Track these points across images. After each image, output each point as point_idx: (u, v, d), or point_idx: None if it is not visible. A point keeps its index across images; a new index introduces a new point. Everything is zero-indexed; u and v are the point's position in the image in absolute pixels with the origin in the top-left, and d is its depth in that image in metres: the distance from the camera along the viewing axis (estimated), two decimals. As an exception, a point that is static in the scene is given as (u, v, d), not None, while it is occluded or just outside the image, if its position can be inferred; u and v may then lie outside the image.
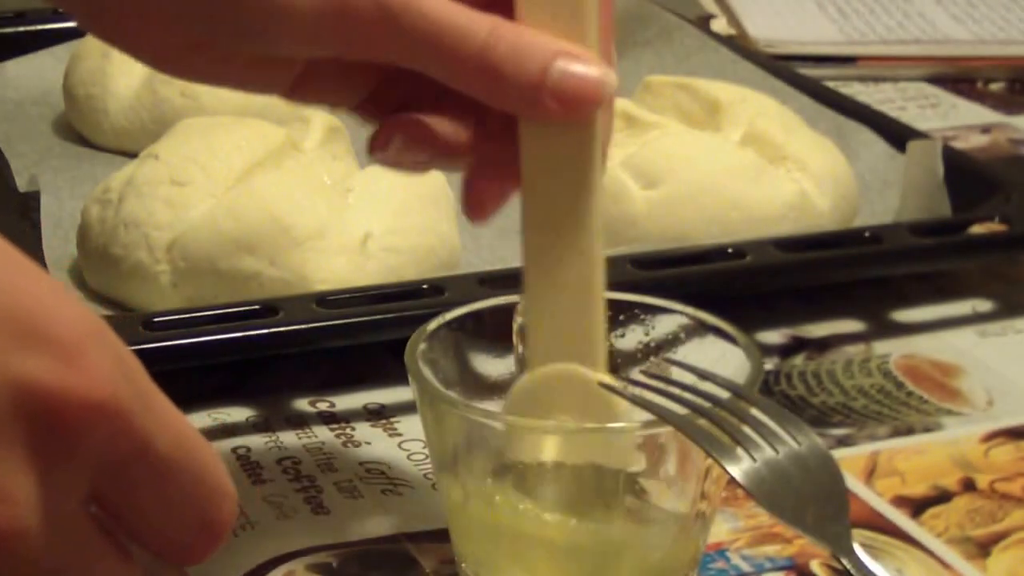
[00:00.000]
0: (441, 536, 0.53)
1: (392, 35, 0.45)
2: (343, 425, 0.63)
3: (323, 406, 0.64)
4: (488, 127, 0.50)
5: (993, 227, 0.74)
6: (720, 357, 0.51)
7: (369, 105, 0.52)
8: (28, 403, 0.34)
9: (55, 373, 0.34)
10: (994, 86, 1.08)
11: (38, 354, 0.34)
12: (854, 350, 0.70)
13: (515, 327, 0.53)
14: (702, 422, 0.47)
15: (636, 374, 0.54)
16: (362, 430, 0.62)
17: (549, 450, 0.49)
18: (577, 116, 0.46)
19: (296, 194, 0.69)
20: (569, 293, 0.48)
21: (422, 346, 0.51)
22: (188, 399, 0.63)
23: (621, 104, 0.80)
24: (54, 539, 0.36)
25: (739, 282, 0.70)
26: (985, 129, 0.99)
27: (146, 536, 0.38)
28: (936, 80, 1.08)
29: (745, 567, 0.54)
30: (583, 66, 0.46)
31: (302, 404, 0.64)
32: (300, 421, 0.63)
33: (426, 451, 0.59)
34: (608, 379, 0.49)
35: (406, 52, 0.46)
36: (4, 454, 0.34)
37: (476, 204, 0.53)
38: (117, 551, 0.38)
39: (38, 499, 0.35)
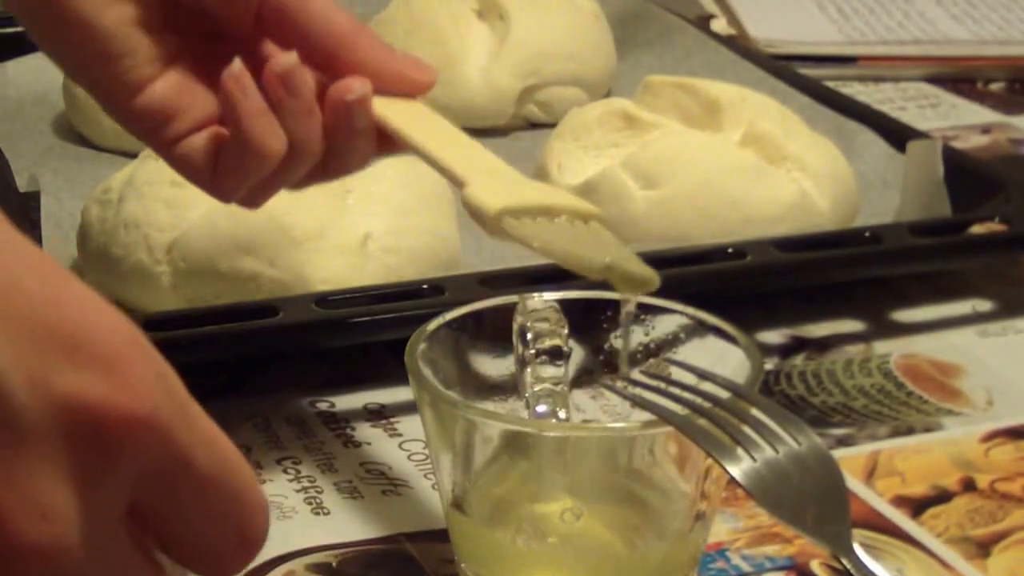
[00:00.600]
0: (440, 536, 0.53)
1: None
2: (343, 425, 0.63)
3: (323, 406, 0.64)
4: None
5: (993, 227, 0.74)
6: (720, 357, 0.51)
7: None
8: (71, 418, 0.34)
9: (98, 388, 0.34)
10: (994, 86, 1.08)
11: (81, 368, 0.34)
12: (854, 350, 0.70)
13: (515, 327, 0.53)
14: (702, 422, 0.47)
15: (636, 374, 0.54)
16: (362, 430, 0.62)
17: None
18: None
19: (295, 195, 0.69)
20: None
21: (422, 346, 0.51)
22: (188, 399, 0.63)
23: (621, 104, 0.80)
24: (93, 555, 0.35)
25: (739, 282, 0.70)
26: (985, 129, 0.99)
27: (183, 550, 0.38)
28: (936, 80, 1.08)
29: (745, 567, 0.54)
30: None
31: (302, 404, 0.64)
32: (300, 421, 0.63)
33: (426, 451, 0.59)
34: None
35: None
36: (47, 470, 0.34)
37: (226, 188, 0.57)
38: (151, 566, 0.38)
39: (79, 515, 0.35)
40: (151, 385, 0.35)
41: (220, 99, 0.55)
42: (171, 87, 0.55)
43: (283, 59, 0.54)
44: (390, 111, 0.55)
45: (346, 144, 0.56)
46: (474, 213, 0.51)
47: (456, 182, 0.53)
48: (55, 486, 0.34)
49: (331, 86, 0.55)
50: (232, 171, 0.56)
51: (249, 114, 0.54)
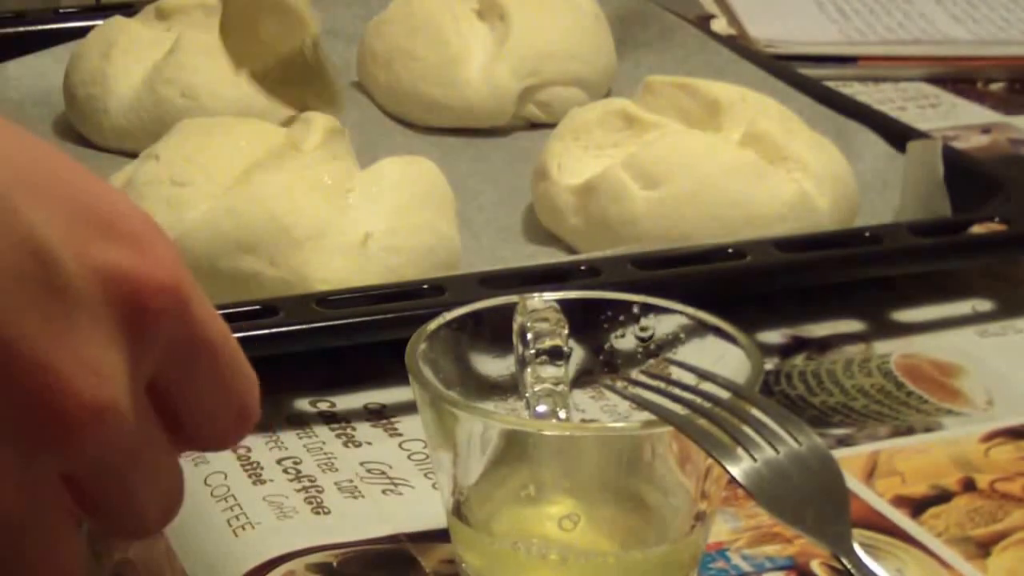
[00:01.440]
0: (441, 536, 0.53)
1: None
2: (343, 425, 0.63)
3: (323, 406, 0.64)
4: None
5: (993, 227, 0.74)
6: (720, 357, 0.51)
7: None
8: (111, 286, 0.37)
9: (131, 260, 0.37)
10: (994, 86, 1.08)
11: (115, 243, 0.37)
12: (854, 350, 0.70)
13: (515, 327, 0.53)
14: (702, 422, 0.47)
15: (636, 374, 0.54)
16: (362, 430, 0.62)
17: None
18: None
19: (296, 194, 0.69)
20: None
21: (422, 346, 0.51)
22: (188, 399, 0.63)
23: (621, 104, 0.80)
24: (135, 418, 0.38)
25: (739, 282, 0.70)
26: (985, 129, 0.99)
27: (191, 423, 0.41)
28: (936, 80, 1.08)
29: (745, 567, 0.54)
30: None
31: (302, 404, 0.64)
32: (300, 421, 0.63)
33: (426, 451, 0.59)
34: None
35: None
36: (96, 334, 0.37)
37: None
38: (166, 442, 0.41)
39: (127, 376, 0.38)
40: (175, 261, 0.39)
41: None
42: None
43: None
44: None
45: None
46: None
47: None
48: (104, 348, 0.37)
49: None
50: None
51: None
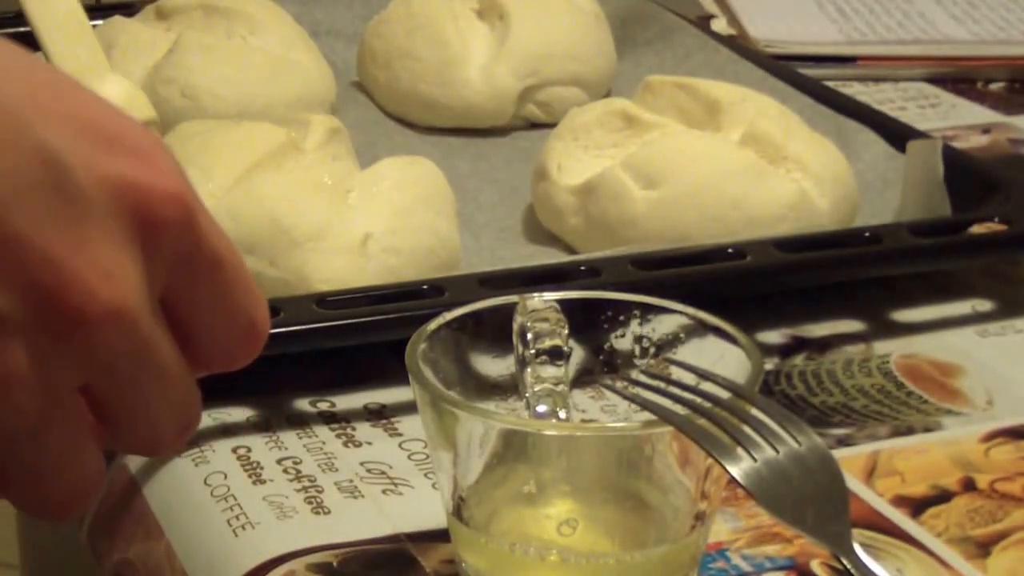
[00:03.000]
0: (441, 536, 0.53)
1: None
2: (343, 425, 0.63)
3: (323, 406, 0.64)
4: None
5: (993, 227, 0.74)
6: (720, 357, 0.51)
7: None
8: (120, 194, 0.39)
9: (139, 171, 0.39)
10: (994, 86, 1.08)
11: (121, 156, 0.39)
12: (854, 350, 0.70)
13: (515, 327, 0.53)
14: (702, 422, 0.47)
15: (636, 374, 0.54)
16: (362, 430, 0.62)
17: None
18: None
19: (296, 195, 0.69)
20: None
21: (422, 346, 0.51)
22: (188, 399, 0.63)
23: (621, 104, 0.80)
24: (148, 325, 0.40)
25: (739, 282, 0.70)
26: (985, 129, 0.99)
27: (201, 340, 0.42)
28: (936, 80, 1.08)
29: (745, 567, 0.54)
30: None
31: (302, 404, 0.64)
32: (301, 421, 0.63)
33: (426, 451, 0.59)
34: None
35: None
36: (107, 239, 0.38)
37: None
38: (177, 351, 0.42)
39: (139, 279, 0.39)
40: (179, 174, 0.40)
41: None
42: None
43: None
44: None
45: None
46: None
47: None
48: (116, 252, 0.38)
49: None
50: None
51: None
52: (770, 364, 0.68)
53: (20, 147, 0.37)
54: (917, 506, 0.58)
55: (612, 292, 0.55)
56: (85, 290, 0.38)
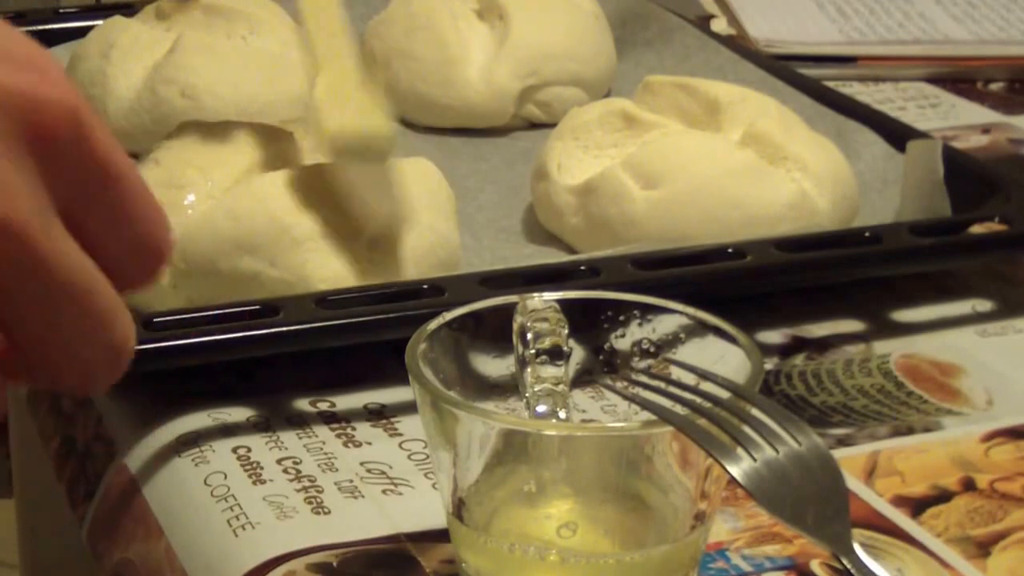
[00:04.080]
0: (441, 536, 0.53)
1: None
2: (343, 425, 0.63)
3: (323, 406, 0.64)
4: None
5: (993, 227, 0.74)
6: (720, 357, 0.51)
7: None
8: (10, 106, 0.37)
9: (30, 83, 0.38)
10: (994, 86, 1.08)
11: (11, 67, 0.38)
12: (854, 350, 0.70)
13: (515, 327, 0.53)
14: (702, 422, 0.47)
15: (636, 374, 0.54)
16: (362, 430, 0.62)
17: None
18: None
19: (295, 194, 0.69)
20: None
21: (422, 346, 0.51)
22: (188, 399, 0.63)
23: (621, 104, 0.80)
24: (49, 238, 0.38)
25: (739, 282, 0.70)
26: (985, 129, 0.99)
27: (109, 252, 0.40)
28: (936, 80, 1.08)
29: (745, 567, 0.54)
30: None
31: (302, 404, 0.64)
32: (300, 421, 0.63)
33: (426, 451, 0.59)
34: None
35: None
36: (1, 150, 0.37)
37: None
38: (87, 259, 0.40)
39: (30, 195, 0.37)
40: (71, 85, 0.39)
41: None
42: None
43: None
44: None
45: None
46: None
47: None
48: (8, 167, 0.37)
49: None
50: None
51: None
52: (770, 364, 0.68)
53: None
54: (917, 506, 0.58)
55: (612, 292, 0.55)
56: None
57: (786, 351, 0.70)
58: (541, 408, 0.53)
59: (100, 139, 0.39)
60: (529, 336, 0.53)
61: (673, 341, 0.54)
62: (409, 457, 0.60)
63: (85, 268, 0.39)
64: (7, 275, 0.38)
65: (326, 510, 0.57)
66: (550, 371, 0.53)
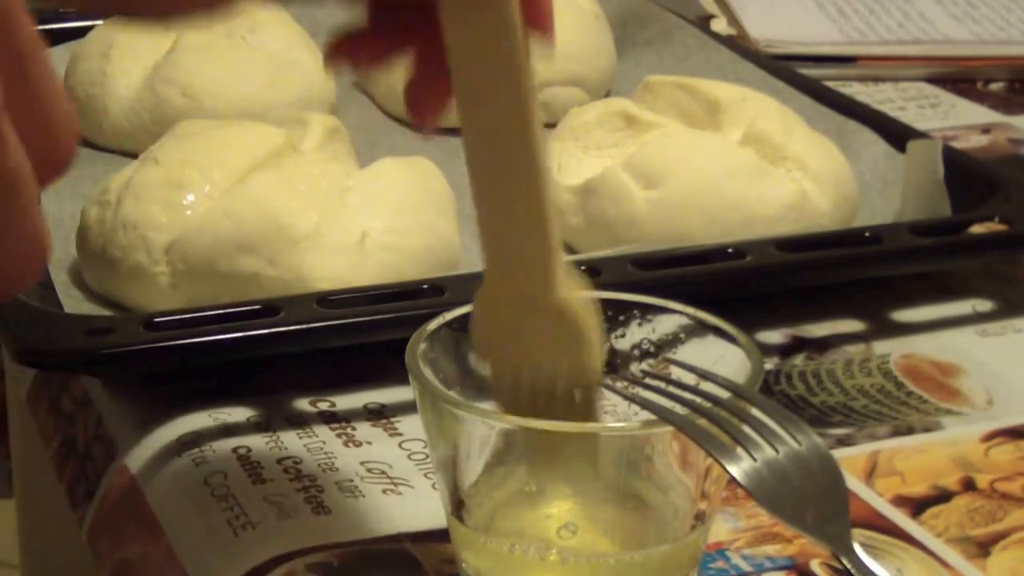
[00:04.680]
0: (441, 536, 0.53)
1: None
2: (344, 425, 0.63)
3: (324, 406, 0.64)
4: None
5: (993, 227, 0.74)
6: (720, 357, 0.51)
7: None
8: None
9: None
10: (994, 86, 1.08)
11: None
12: (854, 350, 0.70)
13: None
14: (702, 422, 0.47)
15: (636, 374, 0.54)
16: (363, 430, 0.62)
17: None
18: None
19: (294, 193, 0.69)
20: (517, 205, 0.48)
21: (422, 346, 0.51)
22: (188, 399, 0.63)
23: (621, 104, 0.80)
24: None
25: (739, 282, 0.70)
26: (985, 129, 0.99)
27: (25, 131, 0.37)
28: (936, 80, 1.08)
29: (745, 567, 0.54)
30: None
31: (302, 404, 0.64)
32: (301, 421, 0.63)
33: (427, 451, 0.59)
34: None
35: None
36: None
37: (420, 106, 0.53)
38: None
39: None
40: None
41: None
42: None
43: None
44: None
45: None
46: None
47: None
48: None
49: None
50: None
51: None
52: (770, 364, 0.68)
53: None
54: (917, 506, 0.58)
55: (612, 292, 0.55)
56: None
57: (786, 351, 0.70)
58: (541, 408, 0.53)
59: (23, 13, 0.36)
60: (529, 336, 0.53)
61: (673, 341, 0.54)
62: (409, 457, 0.60)
63: (20, 150, 0.37)
64: None
65: (326, 510, 0.57)
66: (550, 371, 0.53)
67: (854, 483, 0.59)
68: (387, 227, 0.69)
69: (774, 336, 0.71)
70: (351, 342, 0.64)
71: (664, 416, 0.47)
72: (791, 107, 0.83)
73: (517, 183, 0.47)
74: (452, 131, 0.95)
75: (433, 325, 0.52)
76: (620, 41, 1.00)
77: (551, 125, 0.84)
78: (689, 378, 0.50)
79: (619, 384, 0.52)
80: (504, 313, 0.48)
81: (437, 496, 0.52)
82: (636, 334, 0.54)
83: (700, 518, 0.50)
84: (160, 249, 0.68)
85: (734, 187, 0.74)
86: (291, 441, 0.61)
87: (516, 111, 0.47)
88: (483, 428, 0.48)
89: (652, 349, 0.54)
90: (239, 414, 0.63)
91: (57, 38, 0.97)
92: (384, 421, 0.63)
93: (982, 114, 1.02)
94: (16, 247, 0.37)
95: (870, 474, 0.60)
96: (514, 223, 0.48)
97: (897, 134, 0.85)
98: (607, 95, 0.95)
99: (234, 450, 0.61)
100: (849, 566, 0.45)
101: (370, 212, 0.69)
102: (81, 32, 0.92)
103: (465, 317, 0.53)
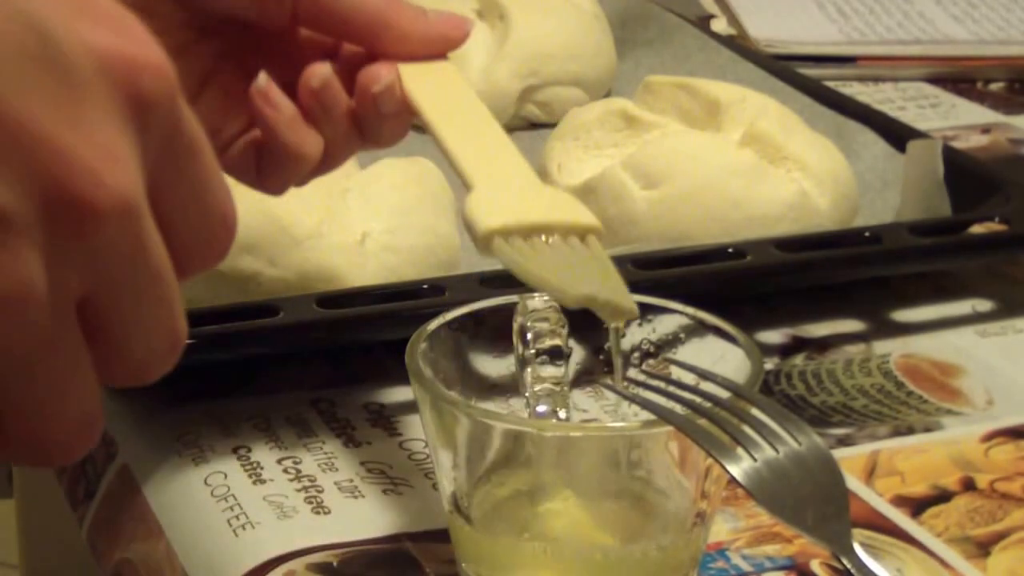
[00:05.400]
0: (441, 536, 0.53)
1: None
2: (344, 425, 0.63)
3: (323, 406, 0.64)
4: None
5: (993, 227, 0.74)
6: (720, 357, 0.51)
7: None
8: (107, 67, 0.34)
9: (121, 41, 0.34)
10: (994, 86, 1.08)
11: (100, 26, 0.34)
12: (854, 350, 0.70)
13: (515, 327, 0.53)
14: (702, 422, 0.47)
15: (636, 374, 0.54)
16: (363, 430, 0.62)
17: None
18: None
19: (295, 193, 0.69)
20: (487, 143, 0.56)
21: (422, 346, 0.51)
22: (188, 399, 0.63)
23: (621, 104, 0.80)
24: (147, 214, 0.35)
25: (739, 282, 0.70)
26: (985, 129, 0.99)
27: (181, 233, 0.37)
28: (936, 80, 1.08)
29: (745, 567, 0.54)
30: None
31: (303, 404, 0.64)
32: (301, 421, 0.63)
33: (426, 451, 0.59)
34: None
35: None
36: (106, 118, 0.34)
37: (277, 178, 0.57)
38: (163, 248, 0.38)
39: (137, 165, 0.35)
40: (157, 44, 0.36)
41: (252, 113, 0.55)
42: (209, 107, 0.56)
43: (318, 74, 0.55)
44: (419, 91, 0.57)
45: (378, 127, 0.57)
46: (467, 227, 0.50)
47: (464, 182, 0.53)
48: (116, 133, 0.34)
49: (360, 73, 0.56)
50: (275, 173, 0.57)
51: (282, 125, 0.55)
52: (770, 364, 0.68)
53: (1, 12, 0.32)
54: (917, 506, 0.58)
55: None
56: (92, 177, 0.33)
57: (786, 351, 0.70)
58: (541, 408, 0.53)
59: (186, 107, 0.36)
60: (529, 336, 0.53)
61: (673, 341, 0.54)
62: (409, 457, 0.60)
63: (166, 257, 0.37)
64: (118, 258, 0.35)
65: (326, 510, 0.57)
66: (550, 371, 0.53)
67: (854, 483, 0.59)
68: (387, 227, 0.69)
69: (774, 336, 0.71)
70: (351, 342, 0.64)
71: (664, 416, 0.47)
72: (791, 107, 0.83)
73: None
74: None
75: (433, 325, 0.52)
76: (620, 41, 1.00)
77: (551, 125, 0.85)
78: (689, 378, 0.50)
79: (619, 384, 0.52)
80: (502, 196, 0.52)
81: (437, 496, 0.52)
82: (636, 334, 0.54)
83: (700, 518, 0.50)
84: (160, 249, 0.68)
85: (734, 187, 0.74)
86: (291, 441, 0.61)
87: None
88: (483, 428, 0.48)
89: (652, 349, 0.54)
90: (239, 414, 0.63)
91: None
92: (384, 421, 0.63)
93: (982, 114, 1.02)
94: (149, 339, 0.37)
95: (870, 474, 0.60)
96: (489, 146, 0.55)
97: (897, 134, 0.85)
98: (607, 95, 0.95)
99: (234, 450, 0.61)
100: (849, 566, 0.45)
101: (370, 212, 0.69)
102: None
103: (465, 317, 0.53)
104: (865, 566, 0.45)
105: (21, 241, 0.32)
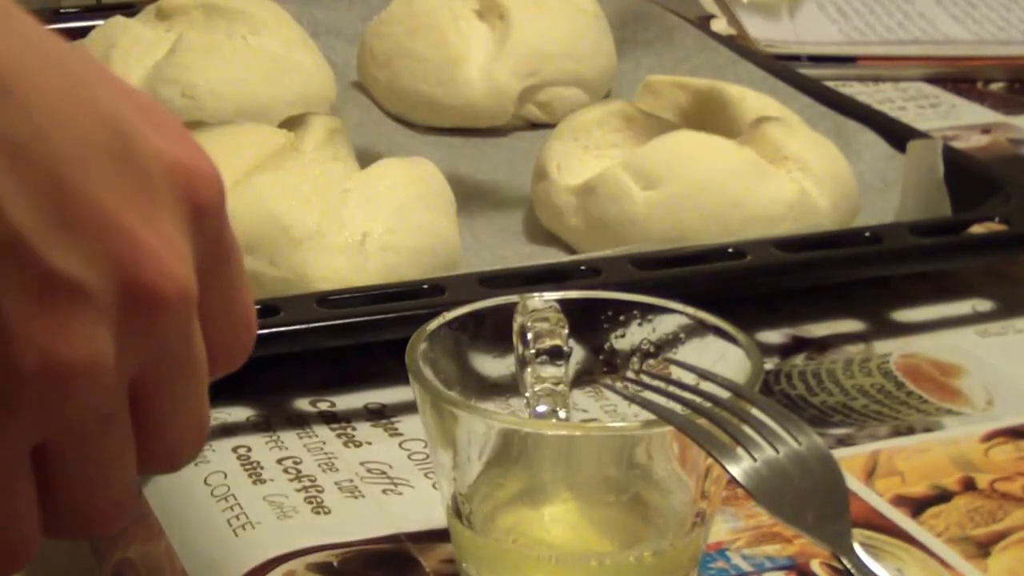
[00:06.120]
0: (441, 536, 0.53)
1: None
2: (344, 425, 0.63)
3: (324, 406, 0.64)
4: None
5: (993, 227, 0.74)
6: (720, 357, 0.51)
7: None
8: (170, 174, 0.37)
9: (183, 150, 0.38)
10: (994, 86, 1.08)
11: (163, 135, 0.37)
12: (854, 350, 0.70)
13: (515, 327, 0.53)
14: (702, 422, 0.47)
15: (636, 374, 0.54)
16: (363, 430, 0.62)
17: None
18: None
19: (295, 194, 0.69)
20: None
21: (422, 346, 0.51)
22: (188, 399, 0.63)
23: (621, 104, 0.80)
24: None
25: (739, 282, 0.70)
26: (985, 129, 0.99)
27: (216, 330, 0.39)
28: (936, 80, 1.08)
29: (745, 567, 0.54)
30: None
31: (303, 404, 0.64)
32: (301, 421, 0.63)
33: (427, 451, 0.59)
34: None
35: None
36: (171, 215, 0.37)
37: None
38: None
39: (192, 264, 0.37)
40: (208, 155, 0.39)
41: None
42: None
43: None
44: None
45: None
46: None
47: None
48: (178, 232, 0.37)
49: None
50: None
51: None
52: (770, 364, 0.68)
53: (89, 113, 0.35)
54: (917, 506, 0.58)
55: (612, 292, 0.55)
56: (161, 267, 0.36)
57: (786, 351, 0.70)
58: (541, 408, 0.53)
59: (226, 217, 0.39)
60: (529, 336, 0.53)
61: (673, 341, 0.54)
62: (409, 457, 0.60)
63: (203, 343, 0.39)
64: (173, 346, 0.37)
65: (326, 510, 0.57)
66: (550, 371, 0.53)
67: (854, 483, 0.59)
68: (388, 227, 0.69)
69: (774, 336, 0.71)
70: (351, 342, 0.64)
71: (664, 416, 0.47)
72: (791, 107, 0.83)
73: None
74: (452, 131, 0.95)
75: (433, 325, 0.52)
76: (620, 41, 1.00)
77: (551, 125, 0.85)
78: (689, 378, 0.50)
79: (619, 384, 0.52)
80: None
81: (437, 496, 0.52)
82: (636, 334, 0.54)
83: (700, 518, 0.50)
84: (160, 249, 0.68)
85: (734, 187, 0.74)
86: (291, 441, 0.61)
87: None
88: (483, 428, 0.48)
89: (652, 349, 0.54)
90: (239, 414, 0.63)
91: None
92: (384, 421, 0.63)
93: (982, 114, 1.02)
94: (184, 426, 0.39)
95: (870, 474, 0.60)
96: None
97: (897, 134, 0.85)
98: (607, 95, 0.95)
99: (234, 450, 0.61)
100: (849, 566, 0.45)
101: (371, 212, 0.69)
102: (81, 32, 0.92)
103: (465, 317, 0.53)
104: (865, 566, 0.45)
105: (99, 316, 0.35)
